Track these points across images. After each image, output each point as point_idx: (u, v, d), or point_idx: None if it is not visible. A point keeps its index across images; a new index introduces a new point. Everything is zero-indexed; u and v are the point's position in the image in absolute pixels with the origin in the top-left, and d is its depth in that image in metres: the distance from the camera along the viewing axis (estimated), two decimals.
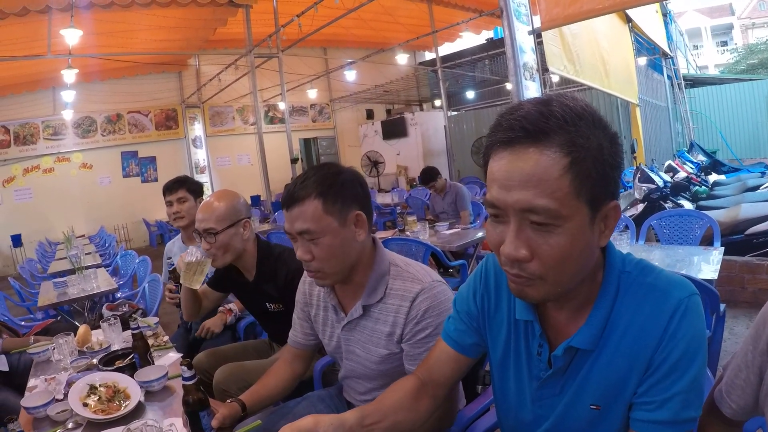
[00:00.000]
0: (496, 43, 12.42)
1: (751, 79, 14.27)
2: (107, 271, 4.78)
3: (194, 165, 13.23)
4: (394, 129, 14.61)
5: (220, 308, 2.61)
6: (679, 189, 6.50)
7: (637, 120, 8.72)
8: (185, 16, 8.40)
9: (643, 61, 10.21)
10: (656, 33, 10.62)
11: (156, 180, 12.46)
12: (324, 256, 1.32)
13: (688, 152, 10.65)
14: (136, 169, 12.51)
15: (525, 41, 4.90)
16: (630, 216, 5.16)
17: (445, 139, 11.44)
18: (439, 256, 3.72)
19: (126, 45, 9.34)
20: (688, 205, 5.93)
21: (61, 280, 3.90)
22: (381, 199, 10.38)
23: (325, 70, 13.60)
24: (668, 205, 5.79)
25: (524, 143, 0.75)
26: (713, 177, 8.50)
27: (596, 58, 6.50)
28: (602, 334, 0.86)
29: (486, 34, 13.83)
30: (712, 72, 24.62)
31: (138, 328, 1.87)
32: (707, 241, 3.45)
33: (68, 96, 10.03)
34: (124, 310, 3.10)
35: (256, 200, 11.87)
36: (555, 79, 9.14)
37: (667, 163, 8.40)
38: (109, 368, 1.87)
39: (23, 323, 3.62)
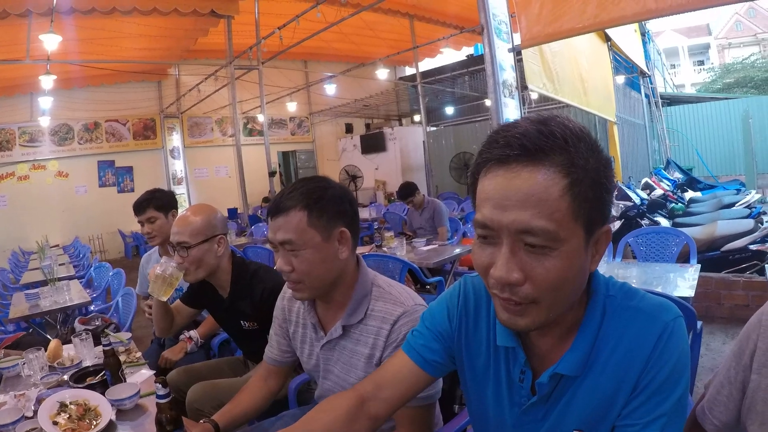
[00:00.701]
0: (476, 60, 12.55)
1: (726, 98, 14.59)
2: (81, 283, 4.65)
3: (171, 176, 13.07)
4: (373, 143, 14.59)
5: (181, 336, 2.54)
6: (655, 206, 6.61)
7: (614, 138, 8.85)
8: (167, 25, 8.34)
9: (621, 79, 10.40)
10: (635, 52, 10.85)
11: (132, 190, 12.22)
12: (303, 269, 1.29)
13: (665, 169, 10.84)
14: (113, 178, 12.29)
15: (505, 58, 4.98)
16: None
17: (424, 155, 11.46)
18: (416, 272, 3.70)
19: (106, 53, 9.23)
20: (664, 222, 6.04)
21: (34, 292, 3.80)
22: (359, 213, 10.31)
23: (305, 83, 13.56)
24: (645, 222, 5.88)
25: (522, 161, 0.72)
26: (689, 194, 8.66)
27: (575, 76, 6.62)
28: (588, 359, 0.84)
29: (466, 51, 13.95)
30: (689, 91, 25.29)
31: (110, 344, 1.83)
32: (684, 258, 3.50)
33: (46, 102, 9.85)
34: (97, 324, 3.01)
35: (233, 213, 11.75)
36: (534, 96, 9.27)
37: (644, 181, 8.55)
38: (80, 385, 1.82)
39: None
